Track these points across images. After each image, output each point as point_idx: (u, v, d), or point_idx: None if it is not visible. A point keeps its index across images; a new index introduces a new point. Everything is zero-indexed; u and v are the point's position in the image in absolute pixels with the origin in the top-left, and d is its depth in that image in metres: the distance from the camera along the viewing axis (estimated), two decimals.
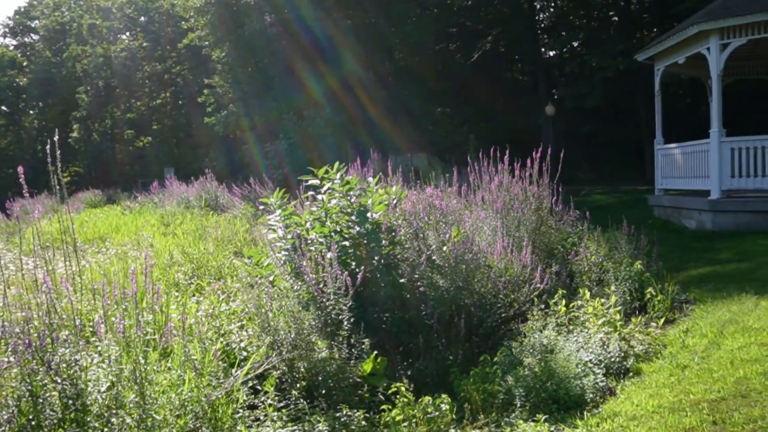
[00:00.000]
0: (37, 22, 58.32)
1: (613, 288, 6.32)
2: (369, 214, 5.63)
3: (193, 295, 6.19)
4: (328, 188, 5.90)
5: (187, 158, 43.13)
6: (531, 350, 4.79)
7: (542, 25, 35.56)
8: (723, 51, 11.55)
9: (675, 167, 13.89)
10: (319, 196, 5.93)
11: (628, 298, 6.70)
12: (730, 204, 11.52)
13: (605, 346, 4.95)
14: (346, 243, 5.67)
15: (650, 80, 16.91)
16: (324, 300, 4.65)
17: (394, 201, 6.12)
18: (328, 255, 5.33)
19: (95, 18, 48.27)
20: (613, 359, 4.84)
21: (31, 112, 55.52)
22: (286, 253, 5.50)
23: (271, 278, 5.63)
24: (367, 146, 22.39)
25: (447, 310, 5.20)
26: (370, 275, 5.38)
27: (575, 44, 35.37)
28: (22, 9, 60.12)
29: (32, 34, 59.43)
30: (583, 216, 8.11)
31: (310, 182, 6.00)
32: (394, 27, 26.92)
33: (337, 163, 5.96)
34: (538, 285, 5.96)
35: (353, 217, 5.76)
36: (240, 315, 5.11)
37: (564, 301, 5.69)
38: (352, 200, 5.80)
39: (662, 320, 5.90)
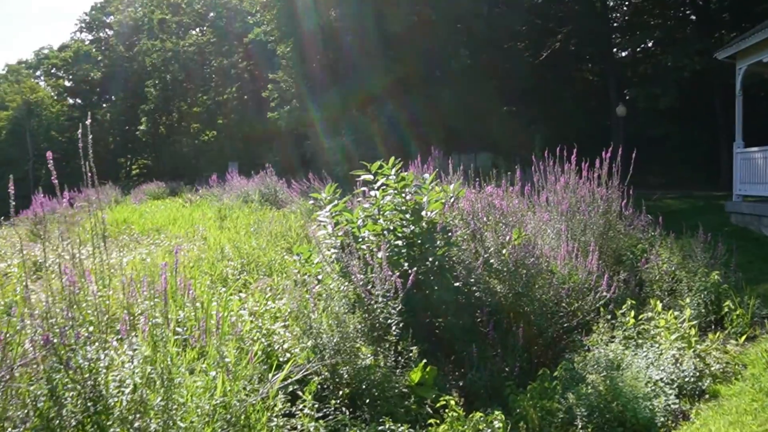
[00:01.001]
0: (112, 17, 60.21)
1: (687, 300, 5.85)
2: (424, 213, 5.34)
3: (240, 291, 6.03)
4: (382, 184, 5.65)
5: (252, 153, 43.68)
6: (595, 365, 4.42)
7: (615, 24, 34.39)
8: None
9: (756, 172, 13.07)
10: (372, 192, 5.69)
11: (703, 310, 6.21)
12: None
13: (678, 364, 4.53)
14: (399, 242, 5.41)
15: (729, 81, 16.03)
16: (372, 302, 4.39)
17: (452, 200, 5.82)
18: (379, 254, 5.09)
19: (165, 13, 49.42)
20: (686, 379, 4.42)
21: (105, 105, 57.35)
22: (336, 251, 5.28)
23: (320, 276, 5.42)
24: (432, 144, 22.13)
25: (504, 317, 4.87)
26: (423, 277, 5.09)
27: (649, 44, 34.13)
28: (99, 4, 62.14)
29: (107, 30, 61.37)
30: (655, 221, 7.62)
31: (362, 177, 5.76)
32: (461, 24, 26.48)
33: (392, 158, 5.69)
34: (605, 294, 5.56)
35: (407, 216, 5.49)
36: (285, 314, 4.90)
37: (632, 313, 5.27)
38: (407, 197, 5.53)
39: (743, 338, 5.41)
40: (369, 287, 4.49)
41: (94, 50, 58.72)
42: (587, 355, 4.66)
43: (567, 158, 7.67)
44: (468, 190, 6.01)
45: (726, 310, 6.04)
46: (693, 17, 31.20)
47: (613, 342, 4.92)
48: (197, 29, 51.88)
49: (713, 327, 6.08)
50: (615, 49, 35.69)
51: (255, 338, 4.50)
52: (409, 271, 5.06)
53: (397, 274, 4.74)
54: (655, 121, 29.33)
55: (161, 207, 18.70)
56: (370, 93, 25.69)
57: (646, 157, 29.91)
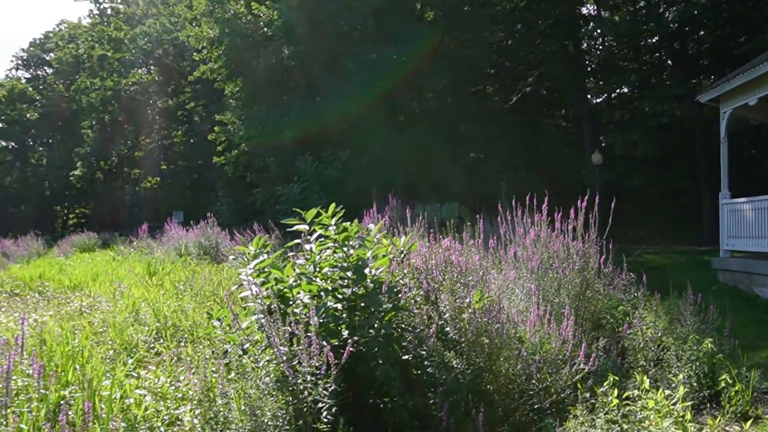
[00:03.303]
0: (51, 54, 59.45)
1: (681, 377, 5.38)
2: (367, 270, 4.82)
3: (149, 364, 5.39)
4: (319, 236, 5.14)
5: (200, 201, 42.97)
6: None
7: (589, 68, 34.98)
8: None
9: (744, 225, 12.91)
10: (308, 246, 5.16)
11: (696, 384, 5.77)
12: None
13: None
14: (339, 306, 4.87)
15: (710, 128, 16.12)
16: (297, 382, 3.82)
17: (402, 255, 5.33)
18: (313, 320, 4.55)
19: (106, 49, 48.97)
20: None
21: (41, 148, 56.19)
22: (262, 316, 4.71)
23: (246, 346, 4.84)
24: (393, 192, 21.74)
25: (462, 398, 4.32)
26: (365, 349, 4.54)
27: (625, 89, 34.73)
28: (37, 41, 61.39)
29: (46, 67, 60.53)
30: (637, 280, 7.22)
31: (296, 228, 5.23)
32: (425, 64, 26.52)
33: (332, 205, 5.19)
34: (583, 366, 5.07)
35: (349, 273, 4.97)
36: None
37: (615, 391, 4.77)
38: (349, 252, 5.02)
39: (748, 423, 4.94)
40: (296, 362, 3.93)
41: (30, 89, 57.74)
42: None
43: (538, 208, 7.28)
44: (421, 243, 5.53)
45: (723, 384, 5.60)
46: (669, 62, 31.89)
47: (593, 428, 4.40)
48: (142, 68, 51.47)
49: (708, 404, 5.63)
50: (589, 95, 36.25)
51: (153, 427, 3.88)
52: (350, 341, 4.53)
53: (335, 344, 4.21)
54: (633, 170, 29.55)
55: (88, 260, 17.89)
56: (325, 137, 25.40)
57: (625, 208, 30.09)
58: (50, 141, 55.18)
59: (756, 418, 5.31)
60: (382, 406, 4.48)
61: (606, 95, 37.64)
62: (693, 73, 28.20)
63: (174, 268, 12.89)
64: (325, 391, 3.81)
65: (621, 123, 33.54)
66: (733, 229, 13.42)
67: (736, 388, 5.50)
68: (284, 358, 3.86)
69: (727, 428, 4.92)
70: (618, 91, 35.32)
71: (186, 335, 6.54)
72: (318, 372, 3.84)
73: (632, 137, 26.46)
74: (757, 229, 12.33)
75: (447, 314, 4.62)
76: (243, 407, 3.51)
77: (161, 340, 6.40)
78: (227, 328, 5.29)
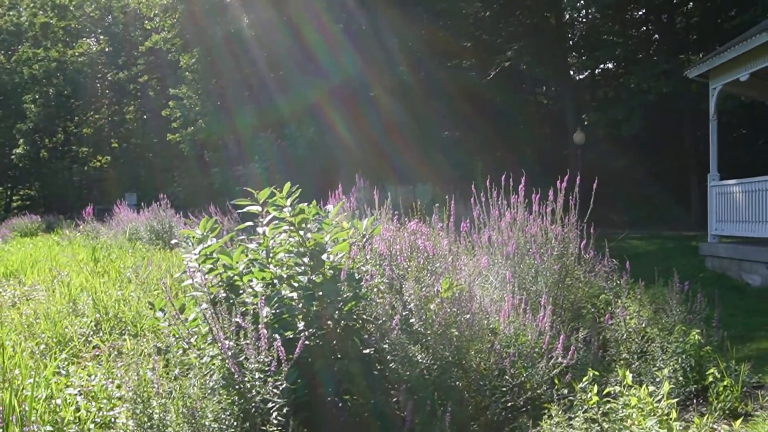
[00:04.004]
0: None
1: (666, 371, 5.31)
2: (325, 256, 4.66)
3: (83, 360, 5.18)
4: (273, 219, 4.95)
5: (155, 183, 42.35)
6: None
7: (571, 42, 34.99)
8: None
9: (734, 209, 12.96)
10: (260, 229, 4.98)
11: (681, 378, 5.69)
12: None
13: None
14: (294, 295, 4.70)
15: (700, 105, 16.13)
16: (244, 380, 3.65)
17: (365, 239, 5.17)
18: (264, 311, 4.38)
19: (50, 17, 47.85)
20: None
21: None
22: (208, 307, 4.53)
23: (193, 339, 4.65)
24: (364, 173, 21.50)
25: (428, 395, 4.19)
26: (323, 342, 4.39)
27: (610, 65, 34.84)
28: None
29: None
30: (620, 266, 7.15)
31: (247, 209, 5.05)
32: (397, 37, 26.29)
33: (287, 185, 5.01)
34: (561, 360, 4.97)
35: (306, 260, 4.80)
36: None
37: (595, 387, 4.68)
38: (306, 236, 4.85)
39: (738, 422, 4.88)
40: (242, 358, 3.76)
41: None
42: None
43: (514, 189, 7.16)
44: (385, 227, 5.37)
45: (711, 379, 5.53)
46: (656, 36, 32.03)
47: (571, 427, 4.30)
48: (90, 38, 50.41)
49: (695, 400, 5.57)
50: (572, 71, 36.30)
51: (83, 430, 3.70)
52: (305, 333, 4.37)
53: (290, 337, 4.06)
54: (617, 151, 29.71)
55: (29, 246, 17.48)
56: (289, 113, 25.08)
57: (608, 190, 30.30)
58: None
59: (746, 415, 5.25)
60: (341, 405, 4.34)
61: (589, 71, 37.76)
62: (681, 48, 28.35)
63: (121, 253, 12.60)
64: (275, 390, 3.66)
65: (605, 100, 33.66)
66: (722, 212, 13.47)
67: (725, 383, 5.44)
68: (229, 353, 3.70)
69: (715, 426, 4.86)
70: (602, 66, 35.43)
71: (129, 327, 6.34)
72: (267, 369, 3.67)
73: (616, 116, 26.50)
74: (748, 213, 12.37)
75: (412, 304, 4.48)
76: (182, 409, 3.34)
77: (100, 333, 6.19)
78: (171, 320, 5.11)
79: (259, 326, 3.70)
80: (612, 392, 4.78)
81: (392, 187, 26.55)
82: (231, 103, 25.69)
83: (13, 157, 47.23)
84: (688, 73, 14.52)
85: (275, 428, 3.59)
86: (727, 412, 5.23)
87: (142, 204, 19.39)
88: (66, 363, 4.97)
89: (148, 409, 3.31)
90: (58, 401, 3.95)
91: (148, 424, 3.29)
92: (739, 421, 4.94)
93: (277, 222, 5.01)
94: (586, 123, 31.54)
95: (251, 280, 4.83)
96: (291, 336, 4.36)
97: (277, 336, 4.25)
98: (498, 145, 31.98)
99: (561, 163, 28.77)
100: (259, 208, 4.99)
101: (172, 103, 31.33)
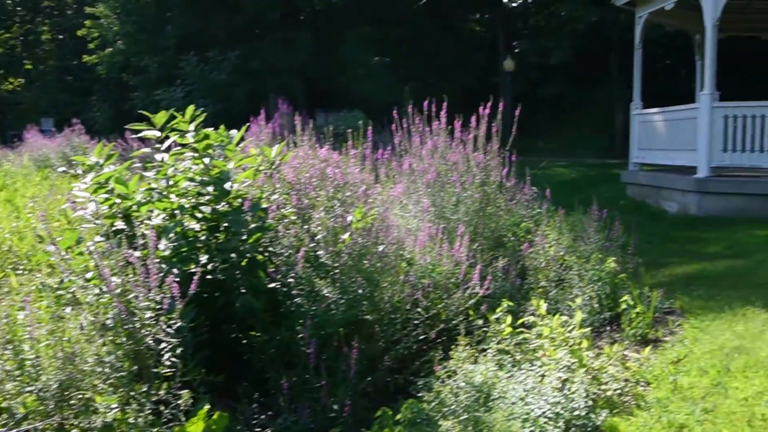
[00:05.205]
0: None
1: (578, 301, 5.26)
2: (229, 185, 4.37)
3: None
4: (173, 144, 4.62)
5: (74, 107, 40.52)
6: (455, 397, 3.66)
7: None
8: None
9: (655, 138, 13.09)
10: (159, 156, 4.64)
11: (597, 305, 5.70)
12: (720, 184, 10.76)
13: (566, 390, 3.87)
14: (196, 226, 4.42)
15: (627, 35, 16.07)
16: (133, 320, 3.39)
17: (273, 167, 4.89)
18: (161, 245, 4.10)
19: None
20: (576, 411, 3.75)
21: None
22: (102, 239, 4.21)
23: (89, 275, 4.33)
24: (293, 99, 20.98)
25: (335, 331, 4.01)
26: (225, 277, 4.14)
27: None
28: None
29: None
30: (541, 194, 7.06)
31: (144, 134, 4.68)
32: None
33: (191, 108, 4.66)
34: (477, 290, 4.85)
35: (210, 189, 4.50)
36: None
37: (509, 318, 4.59)
38: (211, 164, 4.53)
39: (647, 349, 4.89)
40: (132, 297, 3.48)
41: None
42: (447, 382, 3.90)
43: (437, 115, 6.93)
44: (294, 153, 5.09)
45: (624, 306, 5.53)
46: None
47: (483, 360, 4.21)
48: None
49: (609, 327, 5.59)
50: None
51: None
52: (205, 268, 4.11)
53: (191, 272, 3.79)
54: (546, 79, 29.72)
55: None
56: (213, 34, 24.11)
57: (536, 119, 30.48)
58: None
59: (656, 341, 5.29)
60: (245, 342, 4.12)
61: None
62: None
63: (28, 182, 11.97)
64: (168, 329, 3.41)
65: (536, 29, 33.52)
66: (643, 141, 13.60)
67: (637, 309, 5.45)
68: (117, 291, 3.41)
69: (626, 353, 4.85)
70: None
71: (24, 261, 5.95)
72: (160, 307, 3.41)
73: (547, 44, 26.45)
74: (668, 142, 12.50)
75: (320, 235, 4.25)
76: (59, 353, 3.06)
77: None
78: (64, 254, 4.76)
79: (148, 261, 3.41)
80: (526, 322, 4.70)
81: (322, 113, 26.11)
82: (151, 23, 24.53)
83: None
84: (615, 1, 14.40)
85: (168, 370, 3.35)
86: (639, 338, 5.26)
87: (63, 129, 18.49)
88: None
89: (20, 355, 3.02)
90: None
91: (19, 370, 3.01)
92: (649, 348, 4.96)
93: (179, 148, 4.68)
94: (517, 51, 31.42)
95: (152, 211, 4.51)
96: (193, 270, 4.08)
97: (176, 271, 3.99)
98: (430, 71, 31.61)
99: (493, 91, 28.67)
100: (158, 133, 4.63)
101: (89, 23, 29.72)
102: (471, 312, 4.82)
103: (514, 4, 38.46)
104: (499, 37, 31.74)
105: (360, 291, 4.17)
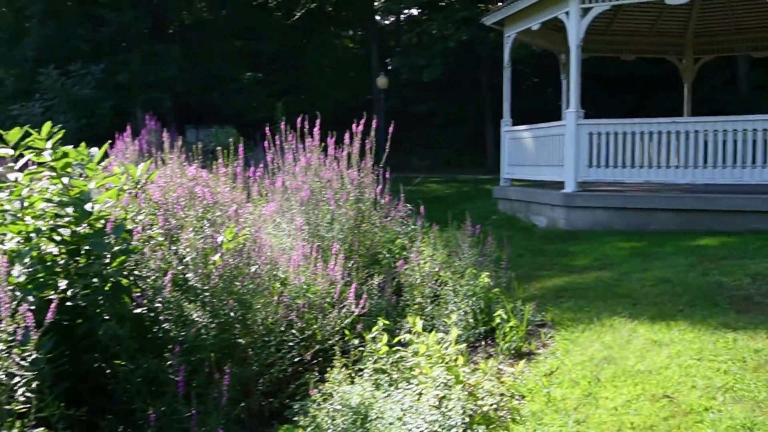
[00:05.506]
0: None
1: (454, 317, 5.33)
2: (89, 206, 4.15)
3: None
4: (29, 163, 4.35)
5: None
6: (332, 421, 3.61)
7: None
8: (584, 17, 11.21)
9: (525, 154, 13.56)
10: (11, 176, 4.36)
11: (472, 321, 5.78)
12: (586, 199, 11.24)
13: (443, 407, 3.89)
14: (54, 250, 4.17)
15: (496, 54, 16.62)
16: None
17: (140, 187, 4.69)
18: (15, 270, 3.85)
19: None
20: (454, 428, 3.78)
21: None
22: None
23: None
24: (163, 115, 20.36)
25: (207, 357, 3.88)
26: (87, 303, 3.92)
27: (414, 11, 35.32)
28: None
29: None
30: (416, 210, 7.14)
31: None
32: None
33: (48, 124, 4.41)
34: (353, 309, 4.82)
35: (71, 210, 4.26)
36: None
37: (385, 337, 4.58)
38: (71, 183, 4.30)
39: (521, 363, 5.00)
40: None
41: None
42: (323, 405, 3.83)
43: (310, 132, 6.88)
44: (161, 172, 4.91)
45: (498, 320, 5.66)
46: None
47: (361, 378, 4.18)
48: None
49: (484, 342, 5.68)
50: (378, 15, 36.48)
51: None
52: (65, 294, 3.88)
53: (51, 298, 3.56)
54: (419, 96, 30.36)
55: None
56: (76, 47, 23.13)
57: (410, 135, 30.99)
58: None
59: (529, 354, 5.41)
60: (109, 371, 3.91)
61: (395, 16, 38.20)
62: None
63: None
64: (23, 362, 3.18)
65: (409, 46, 34.19)
66: (514, 157, 14.05)
67: (511, 323, 5.57)
68: None
69: (500, 367, 4.94)
70: (407, 12, 35.91)
71: None
72: (12, 339, 3.18)
73: (419, 61, 27.01)
74: (537, 158, 12.96)
75: (188, 257, 4.11)
76: None
77: None
78: None
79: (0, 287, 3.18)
80: (403, 340, 4.71)
81: (192, 129, 25.51)
82: (6, 33, 23.25)
83: None
84: (484, 21, 14.87)
85: (22, 406, 3.13)
86: (513, 352, 5.36)
87: None
88: None
89: None
90: None
91: None
92: (523, 361, 5.08)
93: (35, 167, 4.42)
94: (390, 68, 31.92)
95: (5, 235, 4.23)
96: (54, 296, 3.84)
97: (31, 298, 3.75)
98: (302, 88, 31.65)
99: (367, 107, 28.99)
100: (11, 152, 4.35)
101: None
102: (347, 332, 4.80)
103: (386, 22, 39.15)
104: (372, 54, 32.18)
105: (232, 314, 4.05)
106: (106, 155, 4.82)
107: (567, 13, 11.42)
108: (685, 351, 4.84)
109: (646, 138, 10.97)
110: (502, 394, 4.41)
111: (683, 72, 17.71)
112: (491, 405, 4.18)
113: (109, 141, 7.16)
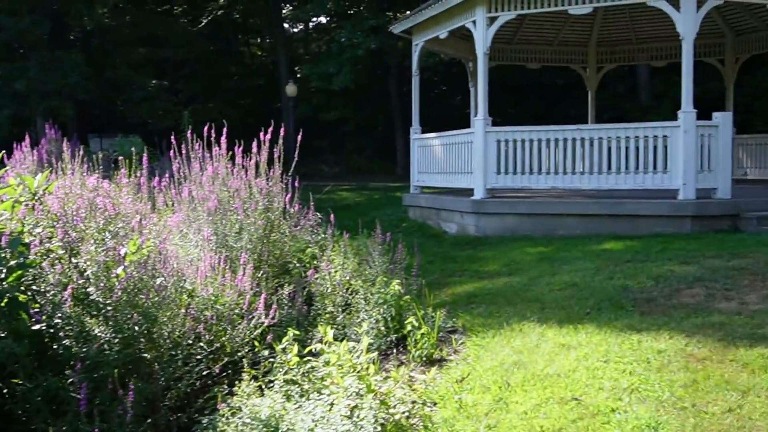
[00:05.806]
0: None
1: (365, 326, 5.36)
2: None
3: None
4: None
5: None
6: None
7: None
8: (490, 26, 11.47)
9: (434, 161, 13.72)
10: None
11: (383, 329, 5.82)
12: (495, 205, 11.46)
13: (355, 417, 3.91)
14: None
15: (405, 62, 16.80)
16: None
17: (37, 198, 4.53)
18: None
19: None
20: None
21: None
22: None
23: None
24: (63, 123, 19.71)
25: (110, 373, 3.77)
26: None
27: (323, 19, 35.37)
28: None
29: None
30: (326, 219, 7.14)
31: None
32: None
33: None
34: (262, 320, 4.78)
35: None
36: None
37: (295, 347, 4.56)
38: None
39: (432, 369, 5.06)
40: None
41: None
42: (232, 419, 3.79)
43: (216, 141, 6.79)
44: (59, 183, 4.76)
45: (409, 327, 5.70)
46: None
47: (271, 390, 4.15)
48: None
49: (396, 350, 5.72)
50: (286, 23, 36.37)
51: None
52: None
53: None
54: (329, 104, 30.39)
55: None
56: None
57: (320, 143, 30.99)
58: None
59: (441, 360, 5.48)
60: (6, 391, 3.76)
61: (303, 24, 38.17)
62: (390, 4, 29.41)
63: None
64: None
65: (317, 54, 34.20)
66: (423, 164, 14.20)
67: (422, 330, 5.63)
68: None
69: (412, 374, 4.99)
70: (315, 20, 35.92)
71: None
72: None
73: (327, 69, 27.03)
74: (445, 165, 13.14)
75: (89, 271, 3.99)
76: None
77: None
78: None
79: None
80: (314, 350, 4.70)
81: (96, 138, 24.80)
82: None
83: None
84: (392, 29, 15.01)
85: None
86: (425, 359, 5.41)
87: None
88: None
89: None
90: None
91: None
92: (435, 368, 5.14)
93: None
94: (299, 76, 31.84)
95: None
96: None
97: None
98: (209, 96, 31.24)
99: (276, 115, 28.80)
100: None
101: None
102: (257, 343, 4.75)
103: (295, 30, 39.07)
104: (281, 62, 32.01)
105: (136, 328, 3.96)
106: (2, 165, 4.65)
107: (474, 22, 11.66)
108: (592, 353, 4.99)
109: (553, 145, 11.26)
110: (414, 402, 4.46)
111: (587, 80, 18.33)
112: (403, 413, 4.22)
113: (4, 151, 6.90)
